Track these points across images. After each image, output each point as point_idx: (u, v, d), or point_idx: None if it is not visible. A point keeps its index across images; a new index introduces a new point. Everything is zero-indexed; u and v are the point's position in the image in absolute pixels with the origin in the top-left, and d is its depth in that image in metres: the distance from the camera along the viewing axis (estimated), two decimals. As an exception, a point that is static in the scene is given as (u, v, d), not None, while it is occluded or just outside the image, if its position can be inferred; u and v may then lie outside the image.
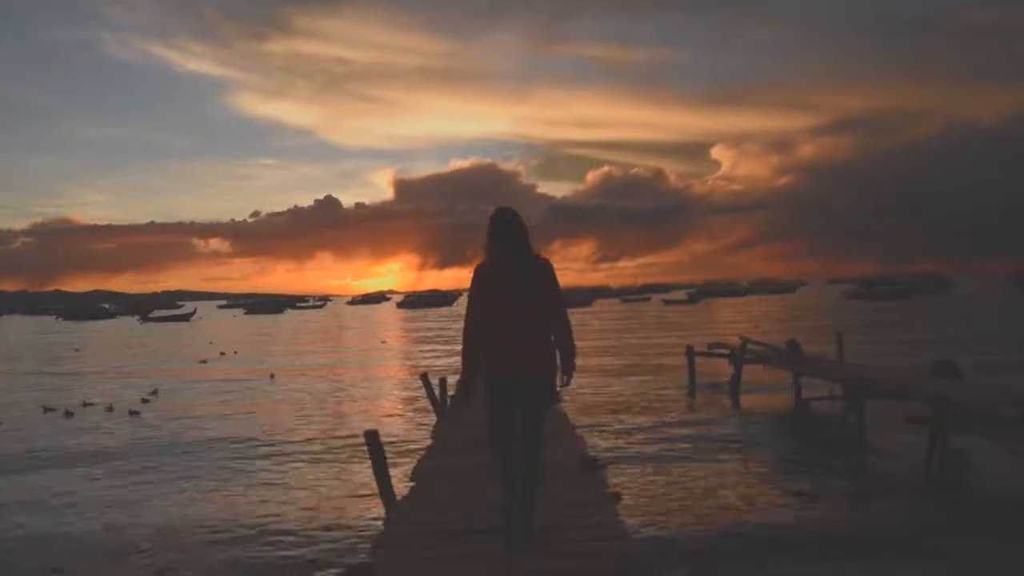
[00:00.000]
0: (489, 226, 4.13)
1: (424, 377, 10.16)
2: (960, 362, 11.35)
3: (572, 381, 4.36)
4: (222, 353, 30.49)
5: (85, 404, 16.43)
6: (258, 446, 11.84)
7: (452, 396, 10.89)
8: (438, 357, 26.42)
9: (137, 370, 25.08)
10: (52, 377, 23.69)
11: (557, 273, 4.21)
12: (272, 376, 21.65)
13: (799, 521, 7.37)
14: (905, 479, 9.00)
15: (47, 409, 15.68)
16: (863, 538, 6.87)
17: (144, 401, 16.88)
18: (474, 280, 4.21)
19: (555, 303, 4.16)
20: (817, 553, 6.57)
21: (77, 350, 36.04)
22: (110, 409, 15.64)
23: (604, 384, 17.71)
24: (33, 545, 7.31)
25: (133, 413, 15.03)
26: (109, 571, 6.60)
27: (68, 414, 15.08)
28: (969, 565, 6.28)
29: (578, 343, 4.34)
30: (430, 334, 42.55)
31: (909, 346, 23.47)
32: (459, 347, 4.45)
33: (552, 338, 4.18)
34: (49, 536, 7.56)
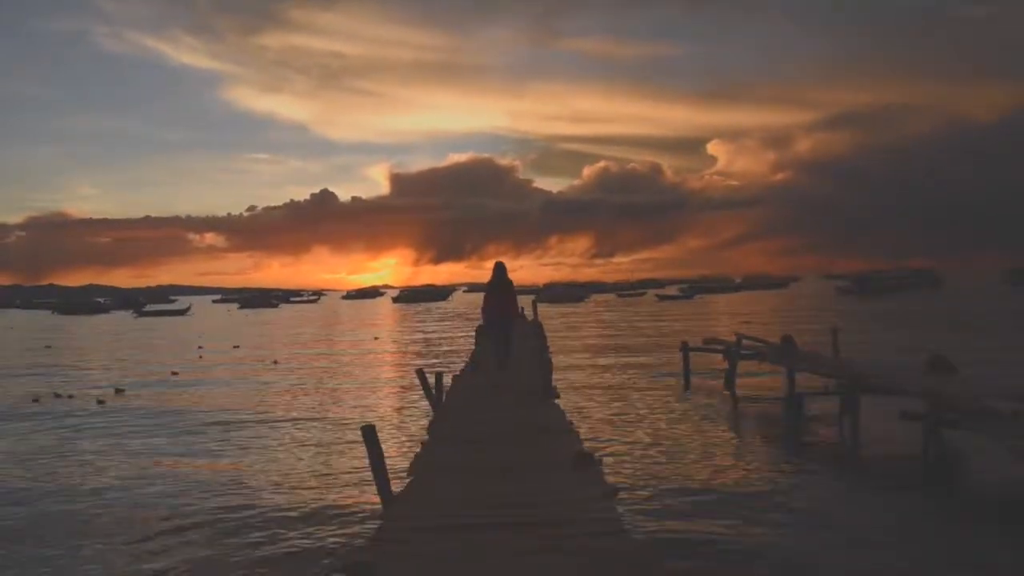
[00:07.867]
0: (494, 268, 11.69)
1: (420, 373, 10.11)
2: (953, 357, 11.41)
3: (517, 325, 12.82)
4: (200, 348, 32.00)
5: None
6: (254, 438, 11.86)
7: (449, 387, 10.89)
8: (433, 356, 26.38)
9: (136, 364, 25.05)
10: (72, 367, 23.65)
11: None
12: (275, 362, 24.37)
13: (794, 516, 7.41)
14: (900, 473, 9.05)
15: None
16: (859, 533, 6.90)
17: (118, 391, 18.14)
18: (487, 286, 11.90)
19: (513, 298, 11.91)
20: (813, 548, 6.60)
21: (48, 347, 35.82)
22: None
23: (599, 381, 17.74)
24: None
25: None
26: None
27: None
28: (964, 558, 6.32)
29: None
30: (426, 331, 42.48)
31: (902, 341, 23.56)
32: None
33: (510, 309, 11.99)
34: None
